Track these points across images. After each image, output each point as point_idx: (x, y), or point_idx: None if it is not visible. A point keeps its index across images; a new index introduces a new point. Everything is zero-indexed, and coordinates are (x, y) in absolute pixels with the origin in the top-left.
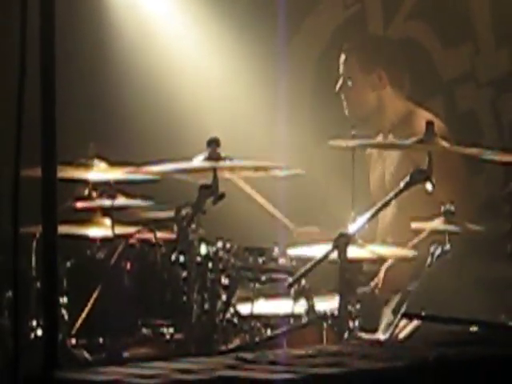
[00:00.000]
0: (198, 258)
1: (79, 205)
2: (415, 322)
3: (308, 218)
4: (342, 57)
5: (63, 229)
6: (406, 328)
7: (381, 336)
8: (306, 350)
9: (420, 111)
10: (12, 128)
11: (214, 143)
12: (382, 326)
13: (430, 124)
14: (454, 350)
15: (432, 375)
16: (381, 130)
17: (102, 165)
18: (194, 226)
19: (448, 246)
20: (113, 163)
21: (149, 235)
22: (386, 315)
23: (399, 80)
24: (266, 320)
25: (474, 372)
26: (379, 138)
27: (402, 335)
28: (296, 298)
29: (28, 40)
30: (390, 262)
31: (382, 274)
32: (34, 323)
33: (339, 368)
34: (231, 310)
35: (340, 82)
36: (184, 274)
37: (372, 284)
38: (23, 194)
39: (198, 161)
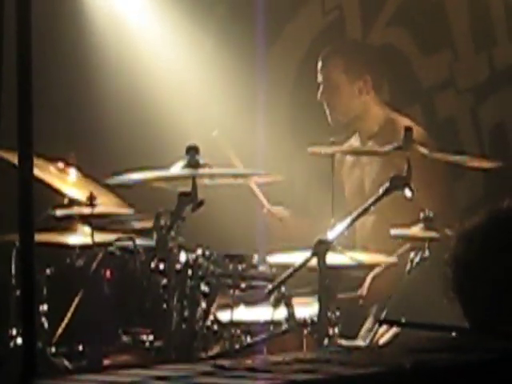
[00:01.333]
0: (178, 266)
1: (58, 213)
2: (394, 329)
3: None
4: (319, 64)
5: (42, 237)
6: (385, 334)
7: (360, 343)
8: (284, 357)
9: (400, 118)
10: None
11: (192, 150)
12: (362, 332)
13: (408, 130)
14: (431, 357)
15: (409, 381)
16: (359, 134)
17: (78, 176)
18: (173, 233)
19: (427, 253)
20: (88, 176)
21: (128, 243)
22: (369, 322)
23: (381, 85)
24: (246, 327)
25: (451, 378)
26: (354, 140)
27: (381, 342)
28: (275, 305)
29: (3, 47)
30: (377, 270)
31: (367, 283)
32: (14, 332)
33: (316, 374)
34: (211, 317)
35: (321, 89)
36: (164, 281)
37: (358, 292)
38: (1, 202)
39: (177, 168)
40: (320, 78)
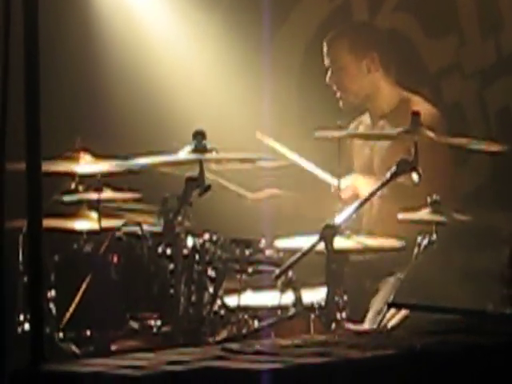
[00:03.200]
0: (185, 251)
1: (66, 198)
2: (403, 312)
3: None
4: (325, 47)
5: (50, 222)
6: (394, 317)
7: (368, 326)
8: (293, 341)
9: (414, 98)
10: None
11: (199, 135)
12: (370, 315)
13: (415, 114)
14: (440, 339)
15: (419, 363)
16: (370, 114)
17: (88, 158)
18: (180, 218)
19: (435, 237)
20: (99, 156)
21: (135, 228)
22: (374, 305)
23: (389, 64)
24: (254, 312)
25: (460, 360)
26: (364, 118)
27: (390, 324)
28: (283, 290)
29: (11, 35)
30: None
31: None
32: (22, 317)
33: (326, 358)
34: (218, 302)
35: (329, 73)
36: (171, 266)
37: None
38: (9, 188)
39: (184, 153)
40: (327, 62)
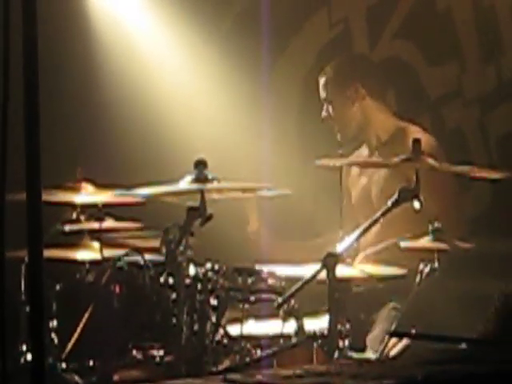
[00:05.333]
0: (187, 280)
1: (67, 228)
2: (405, 341)
3: (295, 236)
4: (322, 80)
5: (52, 252)
6: (396, 346)
7: (371, 355)
8: (294, 370)
9: (410, 127)
10: None
11: (201, 165)
12: (368, 342)
13: (416, 142)
14: (442, 368)
15: None
16: (367, 144)
17: (90, 187)
18: (182, 247)
19: (436, 264)
20: (100, 186)
21: (137, 257)
22: (372, 337)
23: (379, 93)
24: (256, 341)
25: None
26: (362, 149)
27: (392, 354)
28: (285, 318)
29: (10, 60)
30: None
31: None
32: (24, 348)
33: None
34: (221, 331)
35: (324, 107)
36: (173, 295)
37: None
38: (12, 218)
39: (186, 183)
40: (322, 95)
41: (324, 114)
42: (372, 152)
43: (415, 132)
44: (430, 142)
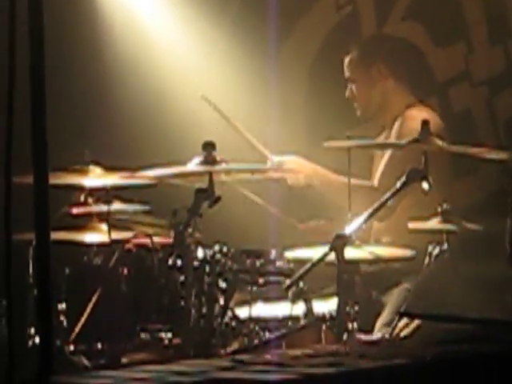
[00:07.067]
0: (195, 262)
1: (75, 211)
2: (416, 321)
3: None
4: (346, 60)
5: (60, 235)
6: (407, 327)
7: (379, 335)
8: (303, 351)
9: (417, 111)
10: (2, 136)
11: (209, 147)
12: (378, 327)
13: (425, 123)
14: (451, 348)
15: (430, 373)
16: (384, 127)
17: (98, 170)
18: (190, 229)
19: (446, 246)
20: (108, 168)
21: (145, 240)
22: (383, 317)
23: (400, 73)
24: (265, 323)
25: (471, 369)
26: (383, 137)
27: (402, 334)
28: (294, 301)
29: (17, 46)
30: None
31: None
32: (32, 331)
33: (337, 368)
34: (229, 313)
35: (348, 86)
36: (181, 278)
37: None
38: (19, 201)
39: (194, 165)
40: (346, 74)
41: (348, 93)
42: (389, 132)
43: (423, 115)
44: (438, 124)
